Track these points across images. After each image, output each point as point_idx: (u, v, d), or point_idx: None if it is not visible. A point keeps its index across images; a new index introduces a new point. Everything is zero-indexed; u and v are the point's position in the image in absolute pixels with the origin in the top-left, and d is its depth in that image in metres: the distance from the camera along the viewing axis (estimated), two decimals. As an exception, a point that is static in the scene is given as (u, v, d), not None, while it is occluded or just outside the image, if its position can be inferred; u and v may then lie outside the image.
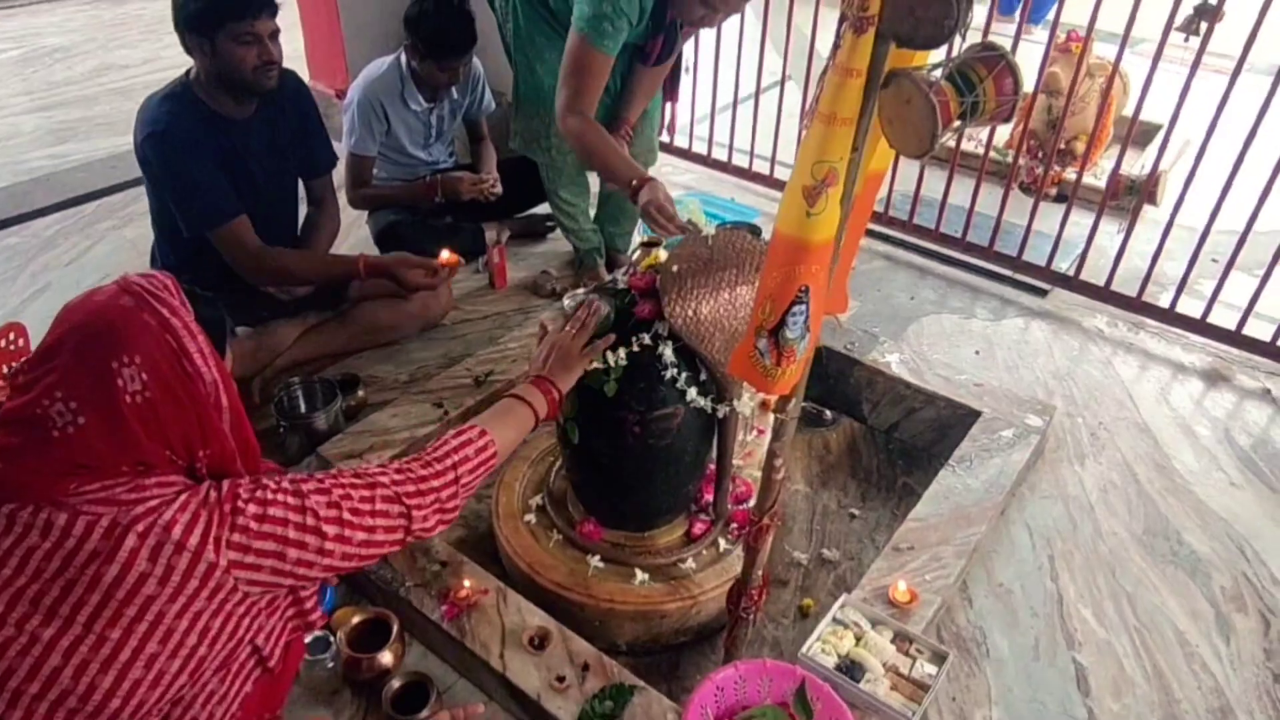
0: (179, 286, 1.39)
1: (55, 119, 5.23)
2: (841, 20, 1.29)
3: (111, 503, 1.27)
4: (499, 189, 3.50)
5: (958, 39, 1.23)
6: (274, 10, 2.50)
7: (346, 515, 1.43)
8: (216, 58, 2.47)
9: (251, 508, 1.34)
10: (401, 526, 1.52)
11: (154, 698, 1.28)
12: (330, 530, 1.40)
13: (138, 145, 2.55)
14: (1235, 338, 3.37)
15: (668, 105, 3.69)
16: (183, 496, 1.31)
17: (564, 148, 3.15)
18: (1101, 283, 3.60)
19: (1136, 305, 3.54)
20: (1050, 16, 3.49)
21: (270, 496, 1.37)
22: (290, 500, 1.39)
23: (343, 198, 3.30)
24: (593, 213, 3.60)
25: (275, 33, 2.53)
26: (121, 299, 1.31)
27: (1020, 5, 3.51)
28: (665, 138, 4.48)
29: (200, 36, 2.45)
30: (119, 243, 3.86)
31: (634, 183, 2.73)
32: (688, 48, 3.49)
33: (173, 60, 5.89)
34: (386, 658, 2.00)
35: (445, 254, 3.02)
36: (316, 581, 1.48)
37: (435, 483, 1.57)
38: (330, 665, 1.97)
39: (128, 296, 1.32)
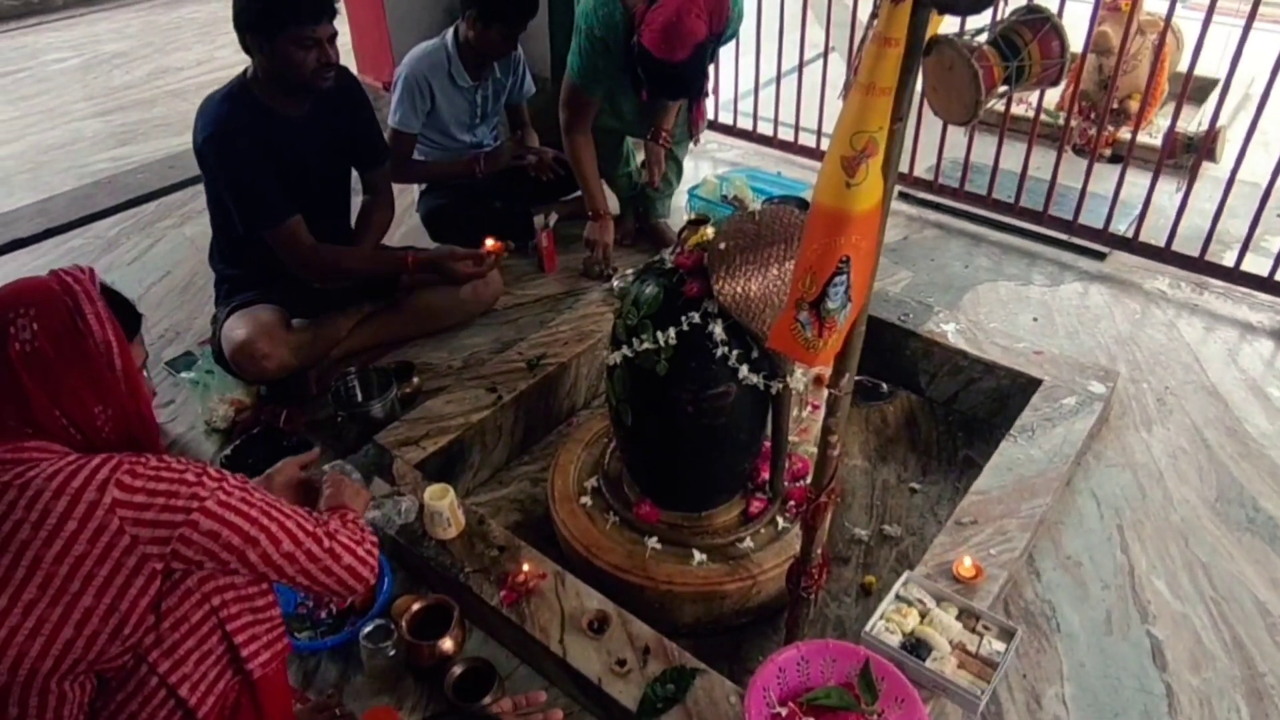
0: (95, 275, 1.47)
1: (115, 122, 5.33)
2: (879, -10, 1.27)
3: None
4: (550, 166, 3.56)
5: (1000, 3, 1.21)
6: (333, 14, 2.53)
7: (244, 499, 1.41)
8: (275, 59, 2.50)
9: (152, 460, 1.35)
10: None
11: (35, 648, 1.27)
12: (221, 484, 1.38)
13: (197, 145, 2.58)
14: (1305, 294, 3.26)
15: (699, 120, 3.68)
16: (68, 457, 1.33)
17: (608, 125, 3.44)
18: (1162, 243, 3.51)
19: (1200, 265, 3.45)
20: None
21: (179, 464, 1.36)
22: (194, 468, 1.37)
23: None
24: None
25: (333, 36, 2.55)
26: (42, 276, 1.42)
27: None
28: (711, 115, 4.45)
29: (260, 37, 2.47)
30: (178, 240, 3.92)
31: (591, 213, 3.44)
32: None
33: (226, 60, 5.99)
34: (447, 644, 2.01)
35: (490, 242, 3.09)
36: (221, 557, 1.38)
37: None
38: (392, 654, 1.98)
39: (48, 274, 1.42)
